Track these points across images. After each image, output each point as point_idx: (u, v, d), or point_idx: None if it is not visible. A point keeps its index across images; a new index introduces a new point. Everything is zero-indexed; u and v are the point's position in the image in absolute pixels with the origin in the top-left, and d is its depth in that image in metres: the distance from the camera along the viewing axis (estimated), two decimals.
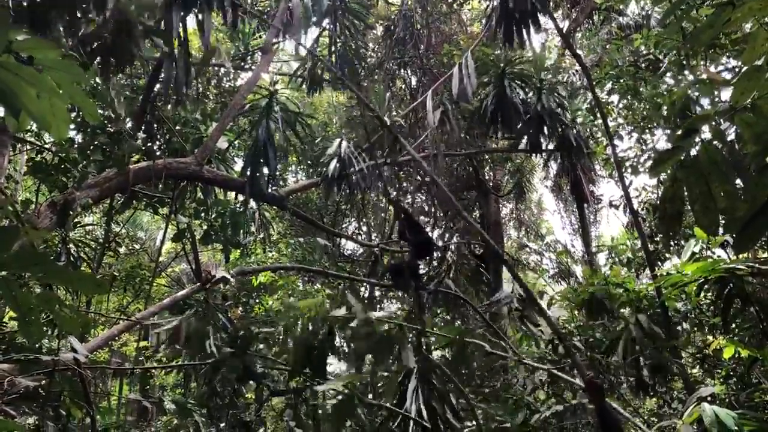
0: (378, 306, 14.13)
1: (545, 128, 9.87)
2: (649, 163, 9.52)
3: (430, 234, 8.38)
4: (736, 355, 6.83)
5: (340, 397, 5.31)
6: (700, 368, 8.30)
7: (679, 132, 3.60)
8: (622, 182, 7.94)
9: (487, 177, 14.31)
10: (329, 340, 5.47)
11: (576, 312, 8.21)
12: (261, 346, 8.34)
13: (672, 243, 9.89)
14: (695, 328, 8.17)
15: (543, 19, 10.48)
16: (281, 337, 5.96)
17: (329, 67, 10.81)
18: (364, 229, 15.46)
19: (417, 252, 8.02)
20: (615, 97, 10.06)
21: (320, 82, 11.41)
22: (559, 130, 9.90)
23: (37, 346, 5.30)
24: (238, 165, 11.82)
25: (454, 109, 10.17)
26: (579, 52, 12.36)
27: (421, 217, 15.38)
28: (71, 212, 5.43)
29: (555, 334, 6.20)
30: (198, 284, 7.81)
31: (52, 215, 5.38)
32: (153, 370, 12.51)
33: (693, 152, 3.44)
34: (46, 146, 8.74)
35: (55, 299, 2.07)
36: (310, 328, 5.36)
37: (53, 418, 3.69)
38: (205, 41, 7.07)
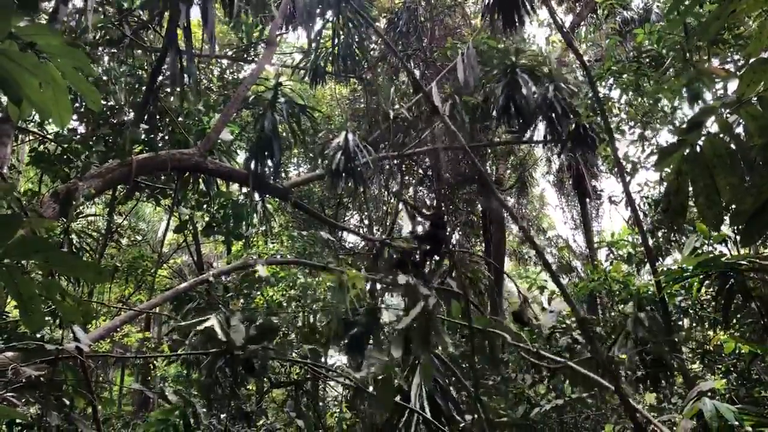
0: (380, 300, 14.12)
1: (553, 119, 9.83)
2: (652, 158, 9.51)
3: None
4: (737, 351, 6.83)
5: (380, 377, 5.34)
6: (700, 363, 8.30)
7: (684, 125, 3.59)
8: (623, 178, 7.92)
9: (489, 171, 14.30)
10: (373, 318, 5.51)
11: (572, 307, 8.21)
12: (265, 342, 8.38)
13: (673, 238, 9.89)
14: (695, 324, 8.17)
15: (545, 14, 10.49)
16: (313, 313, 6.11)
17: (332, 59, 10.80)
18: (366, 222, 15.45)
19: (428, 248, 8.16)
20: (616, 93, 10.04)
21: (323, 74, 11.38)
22: (568, 120, 9.86)
23: (39, 335, 5.32)
24: (241, 157, 11.82)
25: (459, 103, 10.14)
26: (583, 46, 12.35)
27: (423, 211, 15.38)
28: (74, 202, 5.42)
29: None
30: (201, 276, 7.81)
31: (55, 205, 5.38)
32: (154, 361, 12.56)
33: (698, 146, 3.43)
34: (49, 137, 8.74)
35: (56, 287, 2.07)
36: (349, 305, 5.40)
37: (56, 407, 3.70)
38: (209, 32, 7.05)
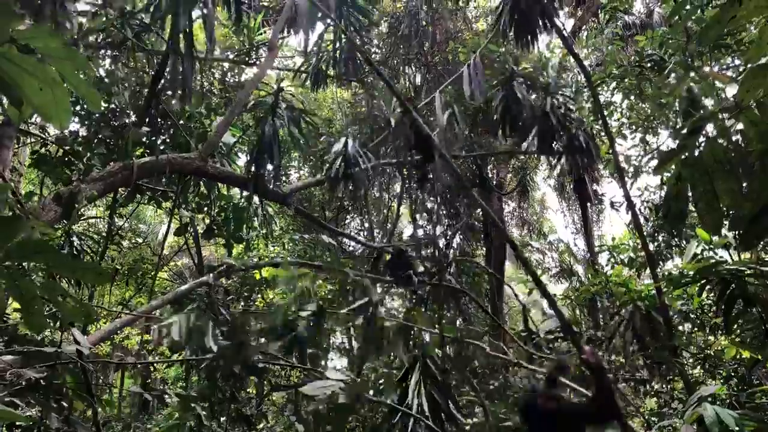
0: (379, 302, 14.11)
1: (551, 128, 9.82)
2: (653, 162, 9.51)
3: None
4: (738, 356, 6.82)
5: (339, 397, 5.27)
6: (701, 368, 8.29)
7: (685, 130, 3.59)
8: (623, 182, 7.92)
9: (490, 175, 14.30)
10: (317, 322, 5.40)
11: (577, 311, 8.22)
12: (263, 340, 8.39)
13: (674, 243, 9.89)
14: (696, 329, 8.16)
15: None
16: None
17: (334, 63, 10.81)
18: (366, 225, 15.46)
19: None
20: (618, 97, 10.05)
21: (325, 78, 11.39)
22: (568, 131, 9.85)
23: (40, 338, 5.32)
24: (242, 160, 11.83)
25: (461, 109, 10.15)
26: (584, 50, 12.36)
27: (424, 214, 15.39)
28: (77, 205, 5.43)
29: (564, 332, 6.19)
30: (201, 278, 7.82)
31: (57, 208, 5.39)
32: (154, 364, 12.55)
33: (697, 151, 3.43)
34: (50, 139, 8.75)
35: (58, 289, 2.07)
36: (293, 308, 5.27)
37: (56, 409, 3.70)
38: (209, 35, 7.06)
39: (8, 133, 6.94)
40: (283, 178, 11.19)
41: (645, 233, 7.83)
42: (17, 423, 4.05)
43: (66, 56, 2.12)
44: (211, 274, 7.53)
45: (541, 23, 8.93)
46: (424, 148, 8.22)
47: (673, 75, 7.64)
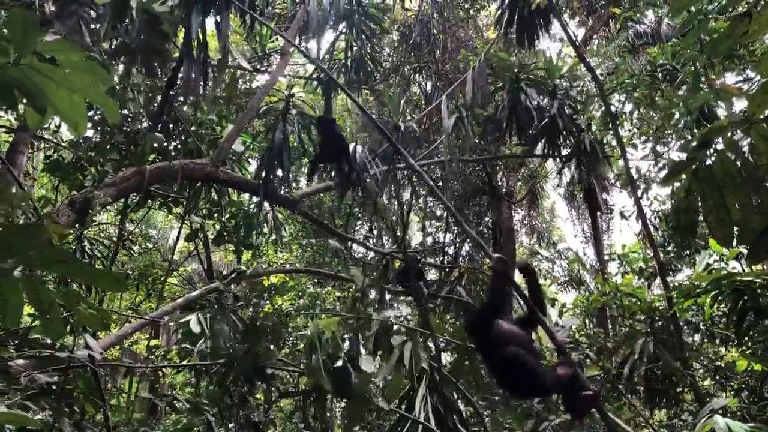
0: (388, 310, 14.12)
1: (560, 133, 9.83)
2: (663, 173, 9.49)
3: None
4: (749, 369, 6.78)
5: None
6: (711, 380, 8.25)
7: (695, 143, 3.60)
8: (634, 192, 7.92)
9: (500, 183, 14.30)
10: (352, 362, 5.41)
11: (587, 321, 8.20)
12: (271, 347, 8.42)
13: (685, 254, 9.85)
14: (706, 340, 8.12)
15: (557, 27, 10.53)
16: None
17: (345, 70, 10.88)
18: (375, 232, 15.49)
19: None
20: (629, 107, 10.04)
21: (335, 86, 11.45)
22: (575, 135, 9.84)
23: (49, 342, 5.37)
24: (252, 166, 11.89)
25: (469, 114, 10.17)
26: (595, 59, 12.37)
27: (433, 221, 15.41)
28: (91, 210, 5.50)
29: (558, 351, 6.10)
30: (211, 284, 7.86)
31: (70, 213, 5.46)
32: (163, 369, 12.60)
33: (707, 163, 3.43)
34: (63, 144, 8.84)
35: (76, 296, 2.11)
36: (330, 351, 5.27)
37: (68, 414, 3.74)
38: (223, 43, 7.13)
39: (24, 138, 7.04)
40: (293, 185, 11.23)
41: (655, 243, 7.81)
42: (27, 427, 4.09)
43: (87, 69, 2.18)
44: (222, 281, 7.57)
45: (539, 25, 9.10)
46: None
47: (684, 86, 7.64)
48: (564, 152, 10.34)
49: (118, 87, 8.31)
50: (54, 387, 3.74)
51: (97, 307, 2.14)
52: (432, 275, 11.35)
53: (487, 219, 14.52)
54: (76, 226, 6.10)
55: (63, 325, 2.15)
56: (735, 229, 3.22)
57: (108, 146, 8.24)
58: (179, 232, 10.12)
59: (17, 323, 2.18)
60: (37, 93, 2.15)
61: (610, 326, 10.38)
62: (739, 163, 3.13)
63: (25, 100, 2.28)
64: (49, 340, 5.38)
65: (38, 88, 2.14)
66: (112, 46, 8.37)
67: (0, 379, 3.46)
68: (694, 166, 3.44)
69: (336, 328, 5.30)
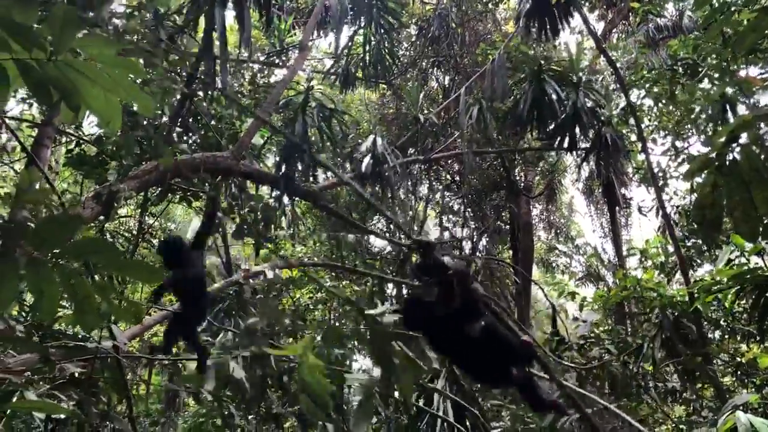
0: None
1: (581, 126, 9.75)
2: (684, 168, 9.42)
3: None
4: None
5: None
6: (732, 377, 8.19)
7: (720, 138, 3.58)
8: (656, 186, 7.87)
9: (518, 177, 14.25)
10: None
11: (606, 316, 8.16)
12: (290, 340, 8.47)
13: (704, 248, 9.76)
14: (727, 336, 8.07)
15: (577, 20, 10.46)
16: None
17: (363, 65, 10.89)
18: (392, 226, 15.49)
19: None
20: (649, 101, 9.95)
21: (354, 80, 11.48)
22: (596, 128, 9.75)
23: (71, 332, 5.45)
24: (270, 160, 11.92)
25: (488, 108, 10.14)
26: (614, 53, 12.28)
27: (450, 216, 15.39)
28: (116, 203, 5.56)
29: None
30: (231, 277, 7.92)
31: (95, 206, 5.53)
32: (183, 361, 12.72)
33: (732, 158, 3.41)
34: (86, 139, 8.93)
35: (110, 288, 2.15)
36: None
37: (95, 403, 3.80)
38: (246, 36, 7.17)
39: (48, 132, 7.13)
40: (311, 179, 11.27)
41: (676, 238, 7.76)
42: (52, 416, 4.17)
43: (120, 64, 2.20)
44: (241, 273, 7.62)
45: (560, 18, 9.05)
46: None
47: (706, 80, 7.57)
48: (583, 146, 10.27)
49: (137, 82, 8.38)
50: (81, 377, 3.81)
51: (130, 300, 2.18)
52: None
53: (505, 214, 14.47)
54: (104, 219, 6.17)
55: (97, 317, 2.19)
56: (761, 224, 3.20)
57: (129, 140, 8.31)
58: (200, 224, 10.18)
59: (53, 316, 2.21)
60: (72, 90, 2.18)
61: (628, 322, 10.34)
62: (763, 158, 3.11)
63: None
64: (72, 331, 5.47)
65: (73, 84, 2.16)
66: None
67: (42, 367, 3.53)
68: (718, 162, 3.42)
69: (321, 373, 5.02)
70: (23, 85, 2.30)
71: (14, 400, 3.12)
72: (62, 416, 4.06)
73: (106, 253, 2.00)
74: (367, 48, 10.75)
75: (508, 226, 14.55)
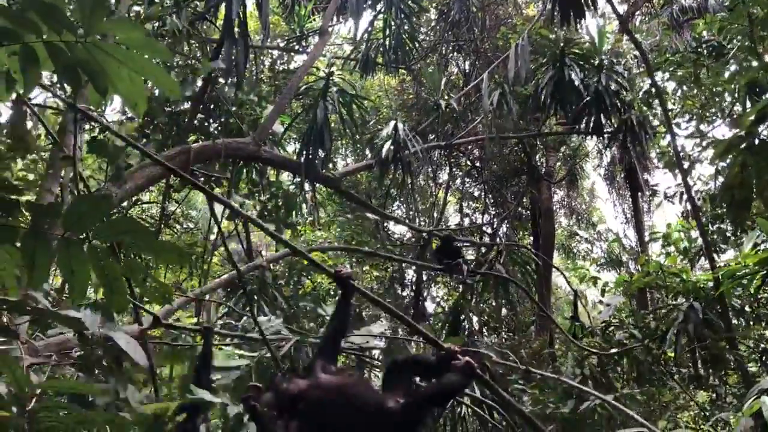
0: (426, 290, 14.18)
1: (605, 109, 9.62)
2: (709, 152, 9.29)
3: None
4: None
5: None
6: (757, 363, 8.10)
7: (750, 117, 3.52)
8: (681, 170, 7.77)
9: (539, 163, 14.14)
10: None
11: (629, 301, 8.11)
12: (312, 324, 8.53)
13: (729, 233, 9.65)
14: (752, 322, 7.98)
15: (601, 2, 10.29)
16: None
17: (383, 50, 10.84)
18: (412, 214, 15.48)
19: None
20: (672, 84, 9.80)
21: (374, 65, 11.43)
22: (620, 111, 9.61)
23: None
24: (290, 147, 11.95)
25: (510, 92, 10.04)
26: (637, 36, 12.10)
27: (471, 202, 15.34)
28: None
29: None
30: (253, 262, 7.99)
31: (117, 191, 5.60)
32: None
33: (761, 138, 3.36)
34: (110, 125, 9.01)
35: (140, 269, 2.17)
36: None
37: (125, 384, 3.84)
38: (264, 21, 7.17)
39: (72, 118, 7.19)
40: (330, 166, 11.29)
41: (702, 222, 7.66)
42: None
43: (147, 46, 2.21)
44: (263, 258, 7.67)
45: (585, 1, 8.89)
46: None
47: (733, 61, 7.43)
48: (608, 130, 10.14)
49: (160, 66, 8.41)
50: (109, 361, 3.85)
51: (160, 281, 2.20)
52: (470, 254, 11.30)
53: (525, 199, 14.38)
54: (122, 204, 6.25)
55: (126, 298, 2.22)
56: None
57: (151, 127, 8.37)
58: (222, 212, 10.26)
59: (84, 296, 2.23)
60: (101, 72, 2.19)
61: (650, 308, 10.26)
62: None
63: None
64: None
65: (101, 67, 2.18)
66: (155, 28, 8.49)
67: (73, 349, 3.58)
68: (747, 142, 3.37)
69: None
70: (52, 68, 2.32)
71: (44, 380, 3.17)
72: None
73: (139, 233, 2.02)
74: (387, 33, 10.69)
75: (528, 212, 14.46)
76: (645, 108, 10.17)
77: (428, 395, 2.88)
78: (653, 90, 8.21)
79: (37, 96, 9.92)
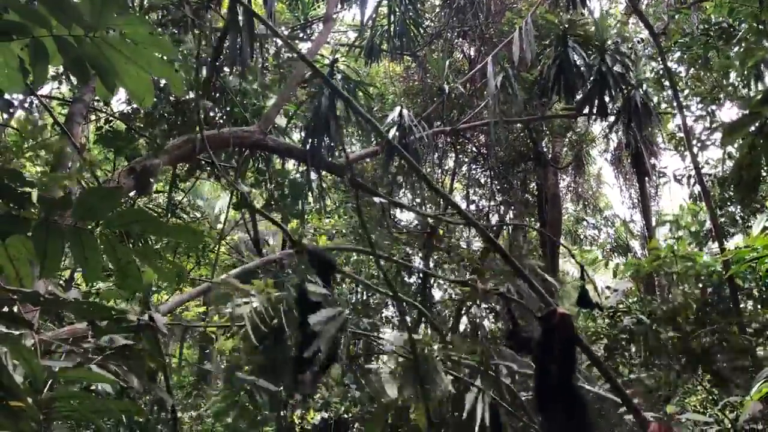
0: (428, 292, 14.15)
1: (610, 91, 9.51)
2: (717, 135, 9.24)
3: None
4: None
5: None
6: (763, 347, 8.09)
7: (757, 97, 3.50)
8: (691, 152, 7.74)
9: (545, 149, 14.10)
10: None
11: (637, 287, 8.09)
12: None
13: (738, 217, 9.62)
14: (760, 306, 7.96)
15: None
16: None
17: (388, 37, 10.80)
18: (418, 201, 15.47)
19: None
20: (682, 67, 9.72)
21: (378, 52, 11.39)
22: (625, 91, 9.50)
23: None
24: (295, 135, 11.94)
25: (515, 75, 9.97)
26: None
27: (477, 189, 15.31)
28: (152, 178, 5.64)
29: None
30: (270, 256, 8.02)
31: (128, 181, 5.62)
32: (213, 334, 12.94)
33: None
34: (116, 116, 9.03)
35: (152, 253, 2.19)
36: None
37: (138, 374, 3.88)
38: (269, 10, 7.15)
39: (79, 109, 7.22)
40: (336, 153, 11.29)
41: (711, 204, 7.63)
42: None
43: (153, 42, 2.23)
44: (281, 252, 7.67)
45: None
46: None
47: (743, 43, 7.37)
48: (613, 109, 10.04)
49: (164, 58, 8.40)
50: (125, 349, 3.88)
51: (173, 261, 2.22)
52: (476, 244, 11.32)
53: (532, 185, 14.35)
54: (141, 194, 6.28)
55: (139, 282, 2.25)
56: None
57: (157, 117, 8.39)
58: (230, 201, 10.29)
59: (96, 279, 2.30)
60: (108, 67, 2.22)
61: (657, 293, 10.25)
62: None
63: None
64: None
65: (109, 62, 2.20)
66: (159, 18, 8.49)
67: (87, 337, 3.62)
68: (756, 122, 3.35)
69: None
70: (61, 62, 2.34)
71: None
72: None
73: (148, 221, 2.04)
74: (392, 19, 10.64)
75: (535, 198, 14.43)
76: (656, 87, 10.07)
77: None
78: (661, 71, 8.15)
79: (43, 87, 9.93)
